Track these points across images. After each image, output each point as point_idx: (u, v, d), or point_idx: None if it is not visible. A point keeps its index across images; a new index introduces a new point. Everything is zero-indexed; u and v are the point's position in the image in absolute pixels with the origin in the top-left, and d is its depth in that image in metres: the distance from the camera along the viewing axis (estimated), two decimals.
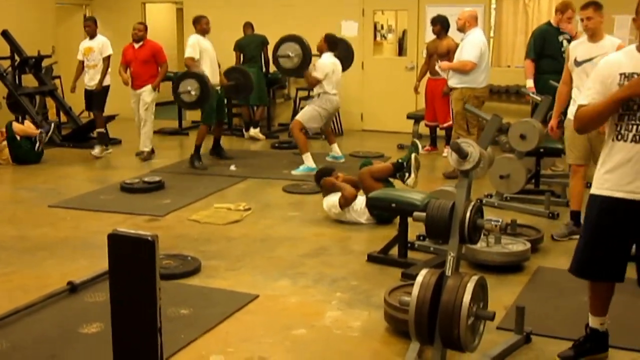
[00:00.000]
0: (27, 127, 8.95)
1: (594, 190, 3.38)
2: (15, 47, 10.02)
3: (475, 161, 3.36)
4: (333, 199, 6.08)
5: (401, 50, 13.14)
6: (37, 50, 10.04)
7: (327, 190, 6.21)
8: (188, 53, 8.30)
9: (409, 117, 9.90)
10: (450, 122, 8.59)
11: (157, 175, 7.61)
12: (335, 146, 8.74)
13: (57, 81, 10.93)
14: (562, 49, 7.13)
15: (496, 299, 4.03)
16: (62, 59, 11.36)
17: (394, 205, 5.17)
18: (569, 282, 4.67)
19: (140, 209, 6.55)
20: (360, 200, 6.03)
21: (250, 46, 10.42)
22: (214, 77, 8.39)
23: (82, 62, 9.20)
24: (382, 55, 12.91)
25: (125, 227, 2.41)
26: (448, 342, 3.22)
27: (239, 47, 10.65)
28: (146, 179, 7.40)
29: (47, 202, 6.81)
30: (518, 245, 4.94)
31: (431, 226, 3.42)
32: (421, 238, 5.35)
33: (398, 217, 5.20)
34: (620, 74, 3.22)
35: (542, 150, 6.59)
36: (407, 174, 6.19)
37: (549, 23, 7.65)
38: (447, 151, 7.47)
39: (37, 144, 8.68)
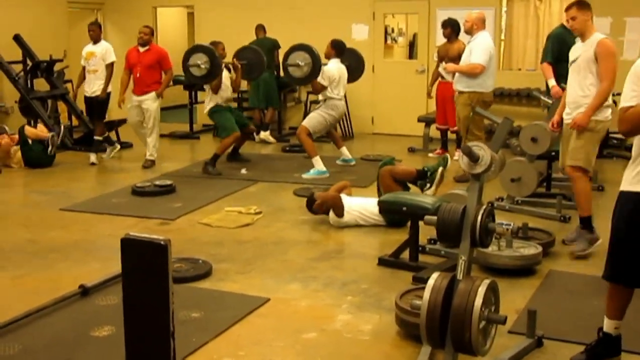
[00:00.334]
0: (39, 130, 8.99)
1: (628, 187, 3.32)
2: (27, 52, 10.05)
3: (487, 165, 3.35)
4: (332, 216, 6.09)
5: (412, 54, 13.13)
6: (49, 54, 10.07)
7: (323, 212, 6.18)
8: None
9: (419, 120, 9.91)
10: None
11: (169, 179, 7.64)
12: (344, 149, 8.74)
13: (68, 85, 10.96)
14: None
15: (508, 303, 4.02)
16: (73, 63, 11.36)
17: (405, 208, 5.16)
18: (580, 285, 4.68)
19: (151, 212, 6.57)
20: (371, 202, 5.99)
21: (262, 50, 10.43)
22: (227, 96, 8.53)
23: (84, 68, 9.17)
24: (392, 59, 12.90)
25: (137, 231, 2.41)
26: (459, 346, 3.21)
27: None
28: (157, 183, 7.42)
29: (59, 205, 6.85)
30: (530, 249, 4.93)
31: (442, 230, 3.41)
32: (432, 241, 5.34)
33: (409, 221, 5.19)
34: None
35: (553, 153, 6.56)
36: (428, 185, 6.19)
37: (562, 26, 7.49)
38: (458, 154, 7.45)
39: (50, 147, 8.71)
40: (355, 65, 9.19)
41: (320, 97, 8.45)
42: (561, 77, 7.24)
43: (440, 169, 6.20)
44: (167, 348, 2.47)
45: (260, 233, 5.95)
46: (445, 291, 3.23)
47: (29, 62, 10.05)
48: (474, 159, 3.35)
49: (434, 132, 9.70)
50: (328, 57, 8.45)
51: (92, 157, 8.97)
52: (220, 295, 4.54)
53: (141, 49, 8.71)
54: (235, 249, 5.51)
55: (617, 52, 5.14)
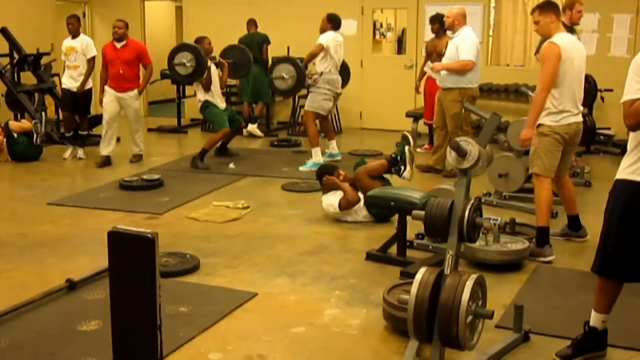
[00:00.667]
0: (23, 123, 8.96)
1: (624, 175, 3.30)
2: (14, 45, 10.01)
3: (474, 160, 3.36)
4: (332, 199, 6.07)
5: (400, 49, 13.16)
6: (36, 47, 10.03)
7: (328, 189, 6.20)
8: None
9: (407, 115, 9.92)
10: None
11: (156, 173, 7.62)
12: (333, 143, 8.73)
13: (55, 79, 10.91)
14: None
15: (495, 298, 4.04)
16: (60, 56, 11.34)
17: (392, 203, 5.17)
18: (567, 280, 4.71)
19: (139, 206, 6.55)
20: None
21: (252, 45, 10.40)
22: (218, 98, 8.49)
23: (64, 63, 8.91)
24: (381, 54, 12.92)
25: (124, 225, 2.41)
26: (447, 341, 3.22)
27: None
28: (145, 177, 7.40)
29: (46, 199, 6.82)
30: (517, 244, 4.95)
31: (430, 224, 3.42)
32: (420, 236, 5.35)
33: (397, 216, 5.20)
34: None
35: None
36: (402, 168, 6.18)
37: (562, 22, 7.35)
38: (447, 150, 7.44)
39: (35, 136, 8.66)
40: (344, 73, 9.00)
41: (315, 72, 8.29)
42: None
43: (407, 147, 6.17)
44: (154, 342, 2.47)
45: (248, 227, 5.95)
46: (432, 286, 3.24)
47: (16, 55, 10.01)
48: (461, 154, 3.36)
49: (422, 127, 9.73)
50: (323, 31, 8.36)
51: (80, 152, 8.91)
52: (207, 289, 4.53)
53: (118, 45, 8.38)
54: (223, 244, 5.51)
55: (557, 56, 4.85)
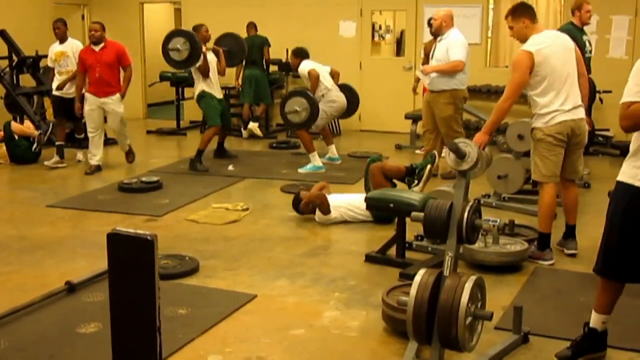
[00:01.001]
0: (25, 127, 8.94)
1: (625, 178, 3.29)
2: (13, 47, 10.01)
3: (473, 161, 3.37)
4: (318, 214, 6.09)
5: (399, 51, 13.16)
6: (35, 50, 10.03)
7: (309, 211, 6.16)
8: None
9: (406, 117, 9.92)
10: None
11: (155, 175, 7.62)
12: (332, 147, 8.73)
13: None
14: (585, 50, 6.83)
15: (494, 299, 4.04)
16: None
17: (392, 205, 5.17)
18: (566, 282, 4.71)
19: (138, 209, 6.55)
20: (359, 198, 5.99)
21: (252, 48, 10.38)
22: (216, 88, 8.45)
23: (53, 69, 8.60)
24: (380, 56, 12.92)
25: (124, 227, 2.41)
26: (446, 342, 3.22)
27: None
28: (144, 179, 7.40)
29: (46, 201, 6.82)
30: (516, 246, 4.95)
31: (429, 226, 3.42)
32: (419, 238, 5.35)
33: (396, 217, 5.20)
34: None
35: None
36: (416, 181, 6.20)
37: (571, 23, 7.15)
38: (445, 151, 7.45)
39: (35, 145, 8.67)
40: (350, 99, 8.87)
41: (317, 94, 8.32)
42: None
43: (429, 166, 6.21)
44: (154, 344, 2.47)
45: (247, 230, 5.95)
46: (432, 287, 3.24)
47: (15, 58, 10.01)
48: (460, 155, 3.37)
49: (421, 129, 9.71)
50: (295, 67, 8.54)
51: (79, 155, 8.90)
52: (207, 291, 4.53)
53: (96, 48, 8.07)
54: (223, 246, 5.51)
55: (526, 67, 4.78)
